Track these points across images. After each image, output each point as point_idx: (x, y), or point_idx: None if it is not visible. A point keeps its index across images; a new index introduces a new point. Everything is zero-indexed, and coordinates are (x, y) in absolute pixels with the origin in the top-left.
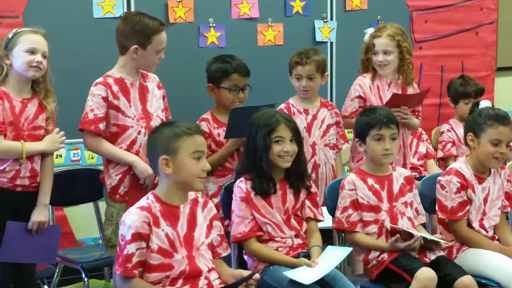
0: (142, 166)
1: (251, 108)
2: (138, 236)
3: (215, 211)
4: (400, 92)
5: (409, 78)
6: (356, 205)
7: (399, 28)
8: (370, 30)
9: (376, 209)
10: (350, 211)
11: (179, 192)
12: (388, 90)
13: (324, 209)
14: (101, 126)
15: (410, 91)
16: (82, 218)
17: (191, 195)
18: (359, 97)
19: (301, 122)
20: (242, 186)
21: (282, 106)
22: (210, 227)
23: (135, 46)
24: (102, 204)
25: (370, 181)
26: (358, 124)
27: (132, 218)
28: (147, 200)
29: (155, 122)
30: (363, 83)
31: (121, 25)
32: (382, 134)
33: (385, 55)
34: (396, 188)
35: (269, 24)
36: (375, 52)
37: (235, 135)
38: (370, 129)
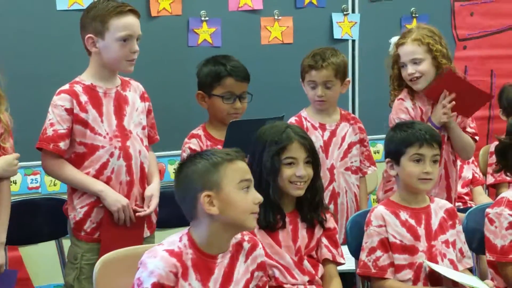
0: (112, 197)
1: (255, 121)
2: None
3: (262, 258)
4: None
5: None
6: (386, 245)
7: (428, 29)
8: (395, 40)
9: (411, 250)
10: (378, 252)
11: (225, 235)
12: (431, 112)
13: (345, 249)
14: (62, 145)
15: None
16: (42, 260)
17: (235, 237)
18: None
19: (316, 139)
20: None
21: (292, 119)
22: (249, 281)
23: (89, 35)
24: (68, 242)
25: (403, 215)
26: (391, 141)
27: (156, 264)
28: (179, 242)
29: (133, 142)
30: (406, 108)
31: (80, 19)
32: (423, 154)
33: (415, 65)
34: (435, 224)
35: (276, 17)
36: (403, 65)
37: None
38: (407, 147)
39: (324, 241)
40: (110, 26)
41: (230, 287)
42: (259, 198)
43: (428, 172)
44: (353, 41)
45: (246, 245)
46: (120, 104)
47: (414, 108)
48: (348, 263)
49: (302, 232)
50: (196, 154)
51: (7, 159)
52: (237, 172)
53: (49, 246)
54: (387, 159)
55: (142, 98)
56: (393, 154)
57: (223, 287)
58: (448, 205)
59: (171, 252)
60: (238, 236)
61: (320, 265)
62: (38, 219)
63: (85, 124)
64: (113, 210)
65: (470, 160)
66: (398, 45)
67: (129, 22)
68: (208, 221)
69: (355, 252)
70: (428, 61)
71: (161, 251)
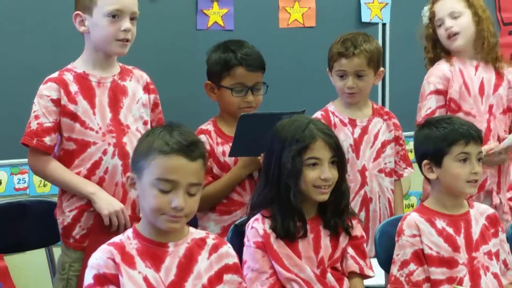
0: (104, 199)
1: (269, 115)
2: (103, 279)
3: (233, 260)
4: (494, 78)
5: (493, 53)
6: (420, 257)
7: None
8: (425, 9)
9: (450, 262)
10: (412, 266)
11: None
12: (475, 74)
13: (374, 261)
14: (48, 140)
15: (510, 77)
16: (30, 270)
17: (198, 233)
18: (437, 92)
19: (345, 137)
20: (258, 226)
21: (318, 114)
22: (216, 280)
23: (76, 12)
24: (59, 250)
25: (440, 223)
26: (429, 139)
27: (95, 256)
28: (122, 235)
29: (131, 138)
30: (440, 70)
31: None
32: (469, 153)
33: (454, 20)
34: (476, 232)
35: None
36: (440, 24)
37: (244, 152)
38: (450, 146)
39: (350, 251)
40: (98, 1)
41: (190, 278)
42: (176, 203)
43: (477, 172)
44: (384, 25)
45: (210, 241)
46: (116, 95)
47: (453, 70)
48: (377, 277)
49: (325, 241)
50: (166, 125)
51: None
52: (159, 169)
53: (38, 255)
54: (424, 161)
55: (146, 89)
56: (433, 154)
57: (180, 277)
58: (490, 210)
59: (111, 243)
60: (203, 233)
61: (346, 279)
62: (26, 224)
63: (74, 117)
64: (103, 214)
65: None
66: (434, 2)
67: None
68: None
69: (385, 265)
70: (468, 16)
71: (103, 245)
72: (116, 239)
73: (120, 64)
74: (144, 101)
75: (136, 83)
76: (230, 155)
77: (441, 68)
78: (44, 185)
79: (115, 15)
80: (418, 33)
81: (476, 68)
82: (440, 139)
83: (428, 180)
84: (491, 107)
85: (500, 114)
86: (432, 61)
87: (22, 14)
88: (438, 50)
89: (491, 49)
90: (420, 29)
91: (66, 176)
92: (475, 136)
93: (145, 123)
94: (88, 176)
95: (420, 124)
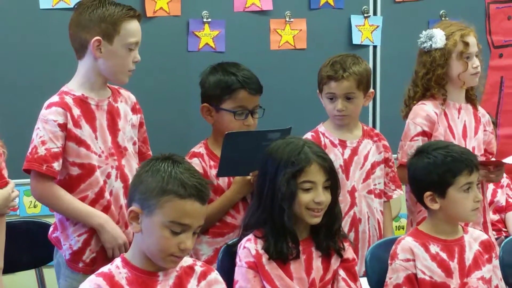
0: (110, 233)
1: (254, 133)
2: None
3: (221, 286)
4: (473, 121)
5: (474, 95)
6: (413, 282)
7: None
8: (439, 33)
9: (442, 287)
10: None
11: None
12: (458, 117)
13: (364, 282)
14: (56, 165)
15: (483, 120)
16: None
17: (186, 261)
18: (424, 133)
19: (335, 158)
20: (250, 247)
21: (308, 135)
22: None
23: (97, 37)
24: (49, 272)
25: (433, 247)
26: (429, 169)
27: (82, 286)
28: (111, 265)
29: (129, 160)
30: (425, 111)
31: (75, 16)
32: (472, 182)
33: (477, 59)
34: (469, 258)
35: (287, 19)
36: (468, 56)
37: (232, 171)
38: (455, 176)
39: (342, 273)
40: (121, 30)
41: None
42: (186, 244)
43: (480, 200)
44: (375, 47)
45: (198, 269)
46: (113, 117)
47: (438, 113)
48: None
49: (317, 263)
50: (169, 158)
51: (4, 195)
52: (174, 212)
53: (28, 276)
54: (427, 193)
55: (134, 110)
56: (437, 185)
57: None
58: (484, 236)
59: (99, 273)
60: (190, 260)
61: None
62: (16, 245)
63: (79, 141)
64: (107, 247)
65: (505, 184)
66: (463, 35)
67: (137, 29)
68: (137, 237)
69: (376, 286)
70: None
71: (91, 276)
72: (104, 268)
73: (108, 85)
74: (134, 122)
75: (125, 104)
76: (218, 175)
77: (427, 109)
78: (35, 206)
79: (131, 47)
80: (421, 58)
81: (459, 110)
82: (443, 170)
83: (425, 207)
84: (473, 149)
85: (480, 156)
86: (417, 97)
87: (22, 38)
88: (438, 87)
89: (472, 94)
90: (432, 54)
91: (75, 205)
92: (476, 164)
93: (134, 143)
94: (96, 200)
95: (402, 164)
